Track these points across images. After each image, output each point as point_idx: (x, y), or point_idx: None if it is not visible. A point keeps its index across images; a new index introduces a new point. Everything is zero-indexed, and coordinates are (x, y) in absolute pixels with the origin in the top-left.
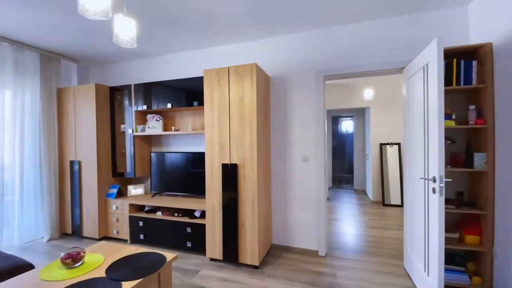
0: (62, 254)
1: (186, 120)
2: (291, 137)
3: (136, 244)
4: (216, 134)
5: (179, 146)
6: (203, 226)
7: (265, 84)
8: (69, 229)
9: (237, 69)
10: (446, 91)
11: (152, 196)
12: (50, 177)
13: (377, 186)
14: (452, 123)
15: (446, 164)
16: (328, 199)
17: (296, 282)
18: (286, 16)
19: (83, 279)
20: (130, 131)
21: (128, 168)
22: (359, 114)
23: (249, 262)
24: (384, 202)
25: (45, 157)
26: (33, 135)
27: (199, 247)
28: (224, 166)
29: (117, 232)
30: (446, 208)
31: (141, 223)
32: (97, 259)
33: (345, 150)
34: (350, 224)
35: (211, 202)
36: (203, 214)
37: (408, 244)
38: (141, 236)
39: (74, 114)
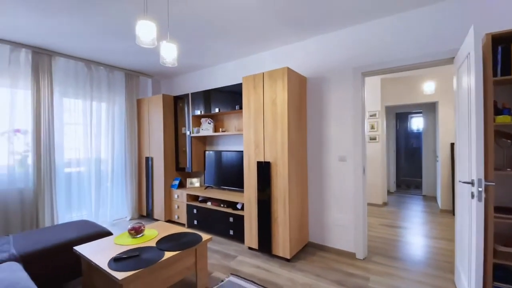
0: (129, 227)
1: (232, 122)
2: (328, 136)
3: (191, 228)
4: (252, 134)
5: (226, 146)
6: (243, 217)
7: (300, 85)
8: (144, 212)
9: (270, 74)
10: (503, 82)
11: (205, 188)
12: (132, 170)
13: (446, 192)
14: (507, 119)
15: (505, 166)
16: (385, 204)
17: (323, 279)
18: (321, 15)
19: (141, 246)
20: (188, 132)
21: (187, 163)
22: (429, 109)
23: (281, 255)
24: (454, 211)
25: (129, 154)
26: (120, 137)
27: (239, 235)
28: (259, 163)
29: (178, 217)
30: (498, 217)
31: (195, 211)
32: (153, 233)
33: (414, 151)
34: (405, 231)
35: (248, 196)
36: (243, 207)
37: (458, 256)
38: (195, 222)
39: (148, 119)
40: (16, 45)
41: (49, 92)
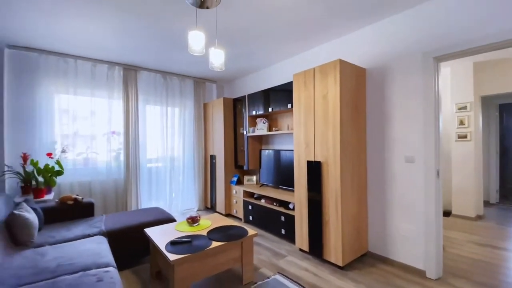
0: (187, 216)
1: (285, 121)
2: (391, 133)
3: (247, 223)
4: (302, 132)
5: (280, 145)
6: (294, 217)
7: (357, 78)
8: (209, 204)
9: (321, 69)
10: None
11: (260, 186)
12: (199, 166)
13: None
14: None
15: None
16: (479, 217)
17: None
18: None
19: (194, 234)
20: (245, 132)
21: (245, 162)
22: None
23: (332, 260)
24: None
25: (197, 152)
26: (190, 137)
27: (291, 236)
28: (309, 163)
29: (236, 212)
30: None
31: (250, 207)
32: (207, 223)
33: None
34: (504, 254)
35: (299, 196)
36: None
37: None
38: (250, 218)
39: (212, 121)
40: (112, 64)
41: (135, 101)
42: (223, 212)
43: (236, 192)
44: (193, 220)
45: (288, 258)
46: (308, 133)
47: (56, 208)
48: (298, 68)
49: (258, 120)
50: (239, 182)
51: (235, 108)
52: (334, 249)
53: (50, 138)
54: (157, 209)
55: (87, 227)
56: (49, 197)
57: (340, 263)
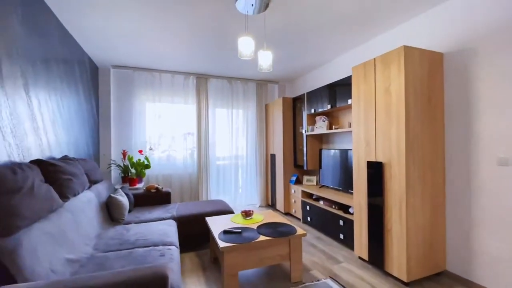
0: (242, 210)
1: (345, 118)
2: (478, 129)
3: (306, 224)
4: (362, 130)
5: (340, 144)
6: (353, 222)
7: (429, 65)
8: (270, 202)
9: (383, 58)
10: None
11: (320, 187)
12: (261, 165)
13: None
14: None
15: None
16: None
17: None
18: None
19: (246, 226)
20: (303, 131)
21: (304, 161)
22: None
23: (395, 274)
24: None
25: (259, 151)
26: (252, 137)
27: (349, 242)
28: (369, 164)
29: (295, 211)
30: None
31: (308, 208)
32: (259, 218)
33: None
34: None
35: (358, 199)
36: None
37: None
38: (308, 218)
39: (272, 121)
40: (187, 74)
41: (206, 105)
42: (282, 211)
43: (294, 191)
44: (246, 214)
45: (343, 264)
46: (368, 130)
47: (143, 195)
48: (360, 61)
49: (317, 118)
50: (298, 181)
51: (294, 107)
52: (398, 261)
53: (142, 138)
54: (220, 202)
55: (163, 212)
56: (140, 185)
57: (404, 278)
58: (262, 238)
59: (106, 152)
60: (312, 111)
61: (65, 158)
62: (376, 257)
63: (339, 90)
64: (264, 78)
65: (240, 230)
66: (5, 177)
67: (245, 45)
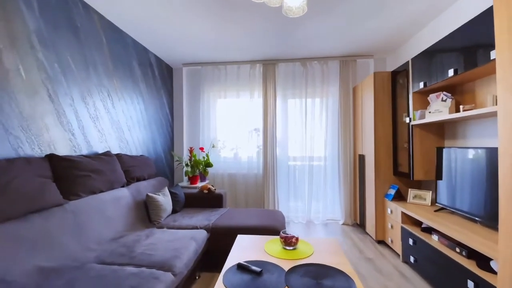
0: (282, 232)
1: (485, 91)
2: None
3: (407, 264)
4: None
5: (477, 137)
6: None
7: None
8: (358, 220)
9: None
10: None
11: (436, 210)
12: (346, 169)
13: None
14: None
15: None
16: None
17: None
18: None
19: (276, 263)
20: (407, 119)
21: (409, 166)
22: None
23: None
24: None
25: (342, 150)
26: (333, 132)
27: None
28: None
29: (392, 242)
30: None
31: (411, 241)
32: (306, 251)
33: None
34: None
35: (509, 248)
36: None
37: None
38: (411, 259)
39: (361, 108)
40: (253, 62)
41: (273, 96)
42: (374, 236)
43: (391, 211)
44: (286, 241)
45: None
46: None
47: (196, 195)
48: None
49: (431, 96)
50: (400, 197)
51: (394, 86)
52: None
53: (208, 135)
54: (276, 214)
55: (204, 218)
56: (199, 184)
57: None
58: None
59: (179, 150)
60: (421, 85)
61: (105, 154)
62: None
63: (469, 40)
64: (351, 52)
65: (260, 270)
66: None
67: None
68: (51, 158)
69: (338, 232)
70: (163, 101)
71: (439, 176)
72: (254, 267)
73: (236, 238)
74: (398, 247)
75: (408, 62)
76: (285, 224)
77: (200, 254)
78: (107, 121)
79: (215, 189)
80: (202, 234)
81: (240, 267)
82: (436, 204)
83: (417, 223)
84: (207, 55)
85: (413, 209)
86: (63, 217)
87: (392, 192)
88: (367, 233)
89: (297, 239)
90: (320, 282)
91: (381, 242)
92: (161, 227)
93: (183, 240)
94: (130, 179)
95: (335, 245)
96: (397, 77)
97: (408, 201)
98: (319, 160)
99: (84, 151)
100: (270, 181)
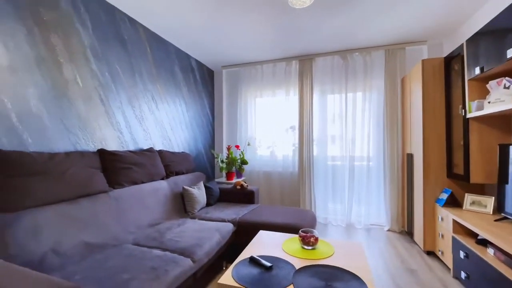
0: (302, 230)
1: None
2: None
3: (458, 280)
4: None
5: None
6: None
7: None
8: (405, 227)
9: None
10: None
11: (496, 220)
12: (392, 170)
13: None
14: None
15: None
16: None
17: None
18: None
19: (291, 262)
20: (462, 112)
21: (465, 167)
22: None
23: None
24: None
25: (389, 149)
26: (378, 128)
27: None
28: None
29: (442, 253)
30: None
31: (462, 255)
32: (326, 251)
33: None
34: None
35: None
36: None
37: None
38: (463, 274)
39: (409, 101)
40: (289, 59)
41: (310, 92)
42: (422, 246)
43: (442, 219)
44: (304, 240)
45: None
46: None
47: (230, 191)
48: None
49: (491, 84)
50: (454, 202)
51: (447, 74)
52: None
53: (244, 134)
54: (306, 213)
55: (232, 213)
56: (235, 180)
57: None
58: None
59: (219, 148)
60: (478, 71)
61: (148, 150)
62: None
63: None
64: (399, 39)
65: (270, 265)
66: (16, 162)
67: None
68: (101, 152)
69: (382, 239)
70: (204, 103)
71: (503, 179)
72: (264, 262)
73: (258, 233)
74: (449, 260)
75: (462, 45)
76: (314, 224)
77: (224, 245)
78: (152, 121)
79: (247, 186)
80: (228, 227)
81: (252, 261)
82: (501, 211)
83: (472, 234)
84: (244, 56)
85: (468, 217)
86: (108, 202)
87: (444, 196)
88: (415, 242)
89: (316, 239)
90: (330, 284)
91: (431, 253)
92: (194, 218)
93: (208, 231)
94: (170, 172)
95: (358, 248)
96: (452, 63)
97: (464, 207)
98: (361, 160)
99: (131, 147)
100: (306, 181)
